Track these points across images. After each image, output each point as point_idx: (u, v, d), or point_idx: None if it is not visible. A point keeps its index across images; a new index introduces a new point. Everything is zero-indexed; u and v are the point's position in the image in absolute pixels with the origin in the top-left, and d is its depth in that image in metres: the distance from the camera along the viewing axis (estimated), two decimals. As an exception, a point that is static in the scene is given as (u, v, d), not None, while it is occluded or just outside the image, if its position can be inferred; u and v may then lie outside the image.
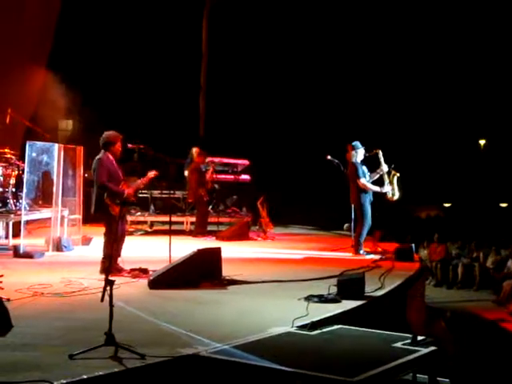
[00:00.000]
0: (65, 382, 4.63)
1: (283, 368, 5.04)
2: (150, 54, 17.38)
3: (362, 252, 11.56)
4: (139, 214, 15.06)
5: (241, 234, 13.79)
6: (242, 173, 16.24)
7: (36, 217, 12.10)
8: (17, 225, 11.75)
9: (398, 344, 5.76)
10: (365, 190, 11.56)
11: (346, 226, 14.43)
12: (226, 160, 16.09)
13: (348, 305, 7.37)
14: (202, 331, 6.13)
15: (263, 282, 8.81)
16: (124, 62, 16.57)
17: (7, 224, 11.97)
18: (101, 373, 4.87)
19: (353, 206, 11.86)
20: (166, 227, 12.41)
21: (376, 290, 8.20)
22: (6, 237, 11.98)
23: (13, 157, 12.69)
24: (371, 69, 16.18)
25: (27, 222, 11.80)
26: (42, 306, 7.18)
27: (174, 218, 13.82)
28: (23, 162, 11.97)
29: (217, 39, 18.47)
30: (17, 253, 10.63)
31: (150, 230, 15.08)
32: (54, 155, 11.60)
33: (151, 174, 9.68)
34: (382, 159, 11.93)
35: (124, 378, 4.98)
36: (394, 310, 8.33)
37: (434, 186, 16.64)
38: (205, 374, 5.29)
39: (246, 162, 16.12)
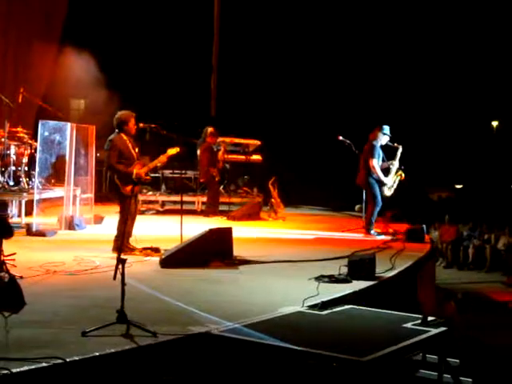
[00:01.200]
0: (77, 358, 4.68)
1: (294, 347, 5.07)
2: (162, 33, 17.33)
3: (373, 232, 11.56)
4: (150, 193, 15.08)
5: (252, 214, 13.81)
6: (254, 153, 16.21)
7: (48, 195, 12.17)
8: (30, 203, 11.82)
9: (409, 324, 5.78)
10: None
11: (357, 206, 14.42)
12: (237, 140, 16.06)
13: (359, 285, 7.39)
14: (213, 310, 6.17)
15: (274, 261, 8.85)
16: (135, 41, 16.54)
17: (20, 202, 12.05)
18: (113, 350, 4.91)
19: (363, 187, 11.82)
20: (178, 207, 12.45)
21: (387, 270, 8.21)
22: (19, 215, 12.05)
23: (25, 136, 12.73)
24: (384, 50, 16.08)
25: (40, 201, 11.86)
26: (54, 283, 7.24)
27: (186, 198, 13.84)
28: (36, 141, 12.01)
29: (228, 18, 18.39)
30: (30, 231, 10.70)
31: (161, 209, 15.11)
32: (66, 134, 11.63)
33: (171, 151, 9.55)
34: (398, 155, 11.88)
35: (136, 356, 5.03)
36: (405, 291, 8.35)
37: (445, 167, 16.59)
38: (216, 353, 5.33)
39: (257, 142, 16.08)
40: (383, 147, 11.78)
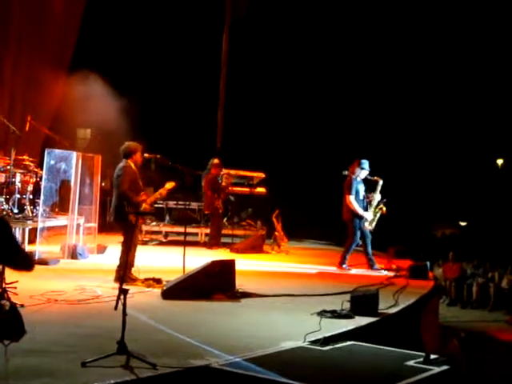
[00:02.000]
0: (76, 389, 4.65)
1: (295, 383, 5.02)
2: (170, 66, 17.48)
3: (345, 266, 11.65)
4: (154, 223, 15.08)
5: (255, 247, 13.79)
6: (258, 186, 16.24)
7: (52, 224, 12.17)
8: (33, 231, 11.83)
9: (411, 362, 5.73)
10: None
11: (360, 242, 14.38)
12: (241, 172, 16.10)
13: (361, 321, 7.34)
14: (213, 343, 6.13)
15: (276, 295, 8.80)
16: (144, 73, 16.68)
17: (24, 230, 12.04)
18: (112, 381, 4.87)
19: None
20: (181, 238, 12.43)
21: (390, 307, 8.16)
22: (22, 243, 12.03)
23: (31, 164, 12.79)
24: (388, 87, 16.18)
25: (43, 229, 11.86)
26: (55, 312, 7.22)
27: (189, 229, 13.84)
28: (41, 170, 12.06)
29: (236, 53, 18.55)
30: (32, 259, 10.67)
31: (164, 240, 15.11)
32: (72, 163, 11.68)
33: (169, 185, 9.65)
34: (379, 188, 11.90)
35: (135, 388, 4.99)
36: (408, 328, 8.29)
37: (450, 204, 16.59)
38: (216, 386, 5.28)
39: (261, 174, 16.12)
40: (364, 181, 11.83)
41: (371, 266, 11.67)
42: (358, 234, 11.60)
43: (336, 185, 14.77)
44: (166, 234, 15.31)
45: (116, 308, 5.66)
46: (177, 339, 6.30)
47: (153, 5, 17.32)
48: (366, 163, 11.75)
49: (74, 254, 11.49)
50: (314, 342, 6.25)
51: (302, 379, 5.06)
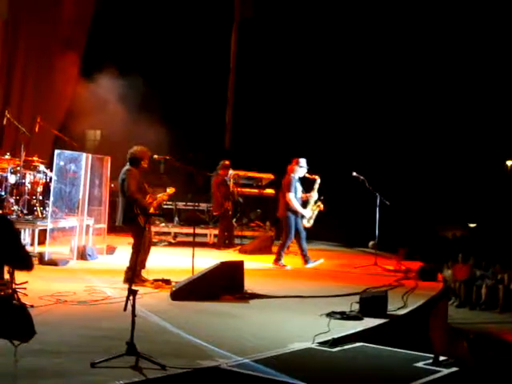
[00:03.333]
0: (86, 389, 4.66)
1: (303, 384, 5.03)
2: (178, 65, 17.50)
3: (280, 263, 11.83)
4: (163, 224, 15.11)
5: (263, 248, 13.78)
6: (267, 187, 16.25)
7: (62, 225, 12.20)
8: (43, 232, 11.87)
9: (420, 364, 5.73)
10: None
11: (371, 243, 14.35)
12: (250, 174, 16.11)
13: (370, 322, 7.34)
14: (222, 344, 6.14)
15: (285, 296, 8.81)
16: (152, 73, 16.70)
17: (33, 231, 12.10)
18: (121, 382, 4.89)
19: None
20: (190, 239, 12.46)
21: (399, 308, 8.15)
22: (32, 244, 12.10)
23: (41, 165, 12.84)
24: (399, 85, 16.14)
25: (53, 230, 11.90)
26: (65, 313, 7.24)
27: (198, 230, 13.85)
28: (51, 171, 12.10)
29: (245, 52, 18.55)
30: (42, 260, 10.72)
31: (173, 241, 15.13)
32: (81, 164, 11.71)
33: (170, 190, 9.82)
34: (316, 187, 12.20)
35: (144, 388, 5.00)
36: (417, 330, 8.27)
37: (460, 205, 16.53)
38: (225, 387, 5.29)
39: (270, 176, 16.12)
40: (302, 179, 12.10)
41: (306, 262, 11.94)
42: (293, 230, 11.80)
43: (345, 185, 14.79)
44: (175, 235, 15.33)
45: (125, 309, 5.68)
46: (186, 340, 6.31)
47: (161, 5, 17.36)
48: (303, 161, 12.03)
49: (83, 255, 11.52)
50: (322, 344, 6.25)
51: (311, 380, 5.06)
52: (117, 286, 8.75)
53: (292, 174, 11.89)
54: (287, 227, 11.86)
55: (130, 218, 9.18)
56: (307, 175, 12.10)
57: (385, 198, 12.60)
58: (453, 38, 15.72)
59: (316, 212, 12.13)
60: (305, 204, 12.05)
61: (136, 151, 9.50)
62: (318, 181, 12.17)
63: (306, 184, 12.14)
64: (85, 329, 6.58)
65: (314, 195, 12.14)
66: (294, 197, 11.73)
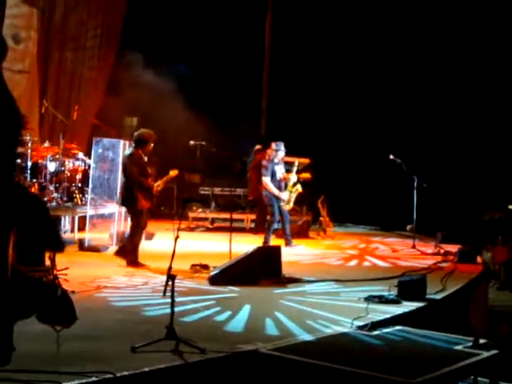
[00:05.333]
0: (127, 373, 4.72)
1: (343, 368, 5.03)
2: (213, 52, 17.49)
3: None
4: (200, 210, 15.18)
5: (300, 233, 13.78)
6: (303, 171, 16.18)
7: (101, 211, 12.35)
8: (82, 219, 12.04)
9: (460, 347, 5.69)
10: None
11: (408, 227, 14.24)
12: (286, 158, 16.06)
13: (409, 306, 7.31)
14: (261, 328, 6.18)
15: (322, 280, 8.81)
16: (187, 60, 16.71)
17: (73, 218, 12.27)
18: (162, 366, 4.94)
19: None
20: (227, 224, 12.51)
21: (437, 291, 8.10)
22: (72, 231, 12.27)
23: (79, 152, 12.99)
24: (440, 70, 15.87)
25: (92, 217, 12.05)
26: (105, 298, 7.33)
27: (235, 216, 13.89)
28: (89, 158, 12.24)
29: (280, 38, 18.45)
30: (82, 246, 10.87)
31: (210, 226, 15.21)
32: (119, 151, 11.80)
33: (173, 172, 10.06)
34: (295, 169, 12.47)
35: (184, 372, 5.05)
36: (456, 313, 8.21)
37: (498, 188, 16.26)
38: (264, 371, 5.32)
39: (306, 160, 16.06)
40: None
41: (287, 244, 11.92)
42: (277, 212, 11.97)
43: (382, 168, 14.67)
44: (213, 221, 15.41)
45: (164, 294, 5.74)
46: (224, 324, 6.36)
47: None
48: (280, 144, 12.25)
49: (122, 241, 11.63)
50: (361, 328, 6.24)
51: (350, 364, 5.06)
52: (156, 272, 8.84)
53: (267, 158, 12.21)
54: (270, 208, 12.07)
55: (129, 199, 9.56)
56: (286, 158, 12.49)
57: (422, 181, 12.50)
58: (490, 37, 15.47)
59: (294, 195, 12.28)
60: (285, 187, 12.27)
61: (144, 133, 9.80)
62: (296, 163, 12.52)
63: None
64: (125, 313, 6.67)
65: (293, 177, 12.34)
66: (270, 180, 11.98)
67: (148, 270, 9.21)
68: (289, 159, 13.66)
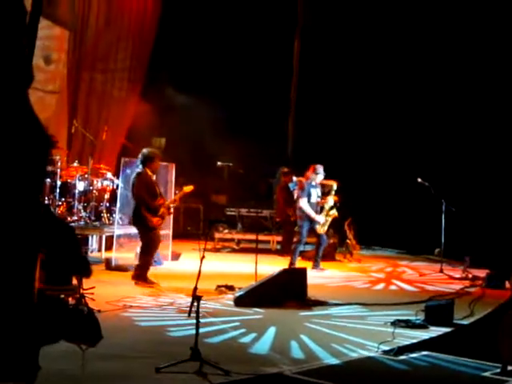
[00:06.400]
0: (151, 394, 4.72)
1: (367, 392, 4.98)
2: (240, 73, 17.57)
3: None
4: (227, 231, 15.20)
5: (326, 255, 13.71)
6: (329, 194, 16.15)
7: (128, 231, 12.42)
8: (109, 238, 12.12)
9: (488, 373, 5.61)
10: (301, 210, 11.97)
11: (436, 250, 14.09)
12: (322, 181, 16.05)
13: (436, 331, 7.22)
14: (286, 351, 6.14)
15: (348, 303, 8.75)
16: (214, 82, 16.84)
17: (100, 237, 12.36)
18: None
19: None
20: (253, 245, 12.50)
21: (465, 317, 7.99)
22: (99, 250, 12.35)
23: (108, 172, 13.11)
24: (470, 92, 15.75)
25: (119, 236, 12.13)
26: (130, 318, 7.35)
27: (261, 237, 13.89)
28: (117, 178, 12.34)
29: (307, 61, 18.50)
30: (109, 265, 10.93)
31: (236, 247, 15.21)
32: (146, 172, 11.86)
33: (187, 188, 10.26)
34: (333, 193, 12.37)
35: (208, 394, 5.04)
36: (484, 339, 8.09)
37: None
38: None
39: (333, 182, 16.03)
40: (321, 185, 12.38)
41: (316, 267, 11.97)
42: (305, 235, 12.04)
43: (408, 192, 14.60)
44: (239, 242, 15.41)
45: (189, 314, 5.75)
46: (249, 346, 6.34)
47: (222, 15, 17.46)
48: (320, 168, 12.20)
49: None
50: (387, 352, 6.18)
51: (375, 389, 5.01)
52: (182, 292, 8.85)
53: (307, 181, 12.14)
54: (300, 229, 12.10)
55: (137, 219, 9.68)
56: (324, 182, 12.42)
57: (450, 205, 12.40)
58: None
59: (330, 219, 12.26)
60: (321, 210, 12.22)
61: (148, 152, 9.94)
62: (335, 186, 12.39)
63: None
64: (150, 333, 6.68)
65: (330, 201, 12.28)
66: (307, 202, 11.94)
67: (157, 288, 9.19)
68: (324, 182, 13.72)
